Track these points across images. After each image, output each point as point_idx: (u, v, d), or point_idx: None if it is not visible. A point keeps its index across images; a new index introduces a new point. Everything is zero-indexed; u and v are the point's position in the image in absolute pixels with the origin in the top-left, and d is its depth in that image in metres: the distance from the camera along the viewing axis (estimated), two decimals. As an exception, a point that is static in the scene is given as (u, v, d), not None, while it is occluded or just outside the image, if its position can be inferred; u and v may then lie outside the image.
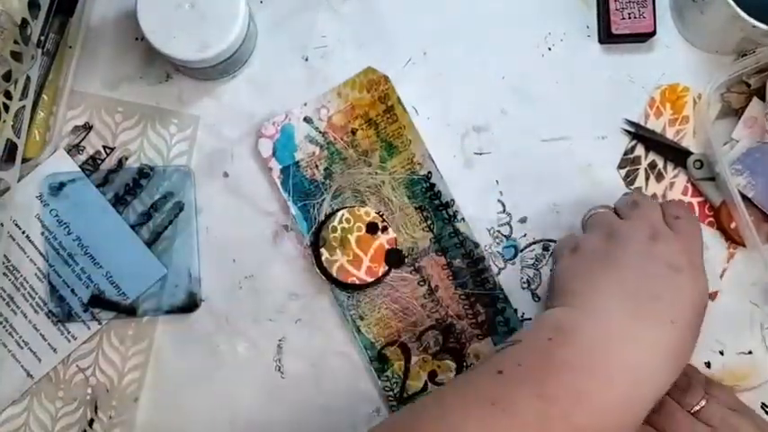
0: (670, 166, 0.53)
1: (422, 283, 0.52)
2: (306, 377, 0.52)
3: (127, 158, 0.52)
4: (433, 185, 0.52)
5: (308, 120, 0.52)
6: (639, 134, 0.53)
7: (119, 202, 0.52)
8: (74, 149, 0.52)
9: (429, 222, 0.52)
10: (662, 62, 0.53)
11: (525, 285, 0.52)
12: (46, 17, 0.50)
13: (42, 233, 0.52)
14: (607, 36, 0.52)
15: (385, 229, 0.51)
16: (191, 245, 0.52)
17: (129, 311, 0.51)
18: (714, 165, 0.51)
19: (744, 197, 0.50)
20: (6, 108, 0.47)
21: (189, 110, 0.53)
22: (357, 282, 0.50)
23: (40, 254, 0.52)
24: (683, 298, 0.42)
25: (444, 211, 0.52)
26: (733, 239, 0.52)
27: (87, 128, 0.52)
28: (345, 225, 0.51)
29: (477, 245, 0.52)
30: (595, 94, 0.53)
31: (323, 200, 0.52)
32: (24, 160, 0.51)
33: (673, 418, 0.45)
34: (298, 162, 0.52)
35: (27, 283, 0.52)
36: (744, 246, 0.52)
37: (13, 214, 0.52)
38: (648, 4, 0.51)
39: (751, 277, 0.52)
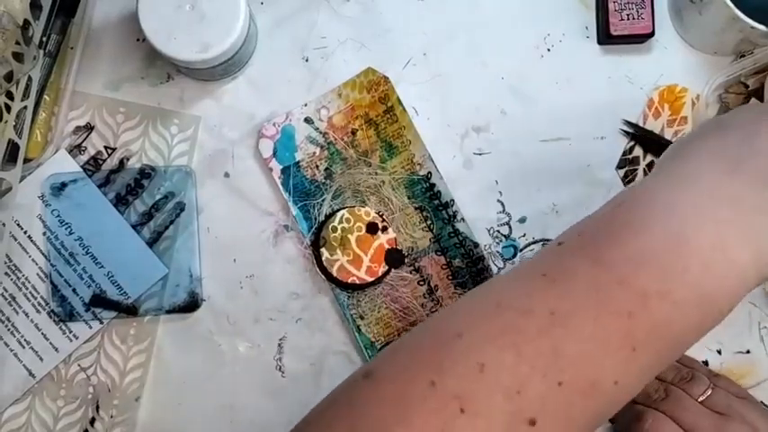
0: None
1: (422, 283, 0.52)
2: (306, 376, 0.52)
3: (128, 159, 0.52)
4: (432, 185, 0.52)
5: (308, 120, 0.52)
6: (638, 135, 0.53)
7: (120, 202, 0.52)
8: (75, 150, 0.52)
9: (429, 222, 0.52)
10: (660, 63, 0.53)
11: (525, 285, 0.53)
12: (48, 18, 0.50)
13: (44, 233, 0.52)
14: (606, 37, 0.52)
15: (385, 229, 0.51)
16: (192, 245, 0.52)
17: (131, 311, 0.52)
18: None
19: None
20: (8, 108, 0.47)
21: (190, 110, 0.53)
22: (357, 281, 0.51)
23: (42, 254, 0.52)
24: None
25: (444, 211, 0.52)
26: None
27: (89, 128, 0.53)
28: (345, 225, 0.51)
29: (476, 245, 0.52)
30: (594, 95, 0.53)
31: (323, 200, 0.52)
32: (26, 160, 0.51)
33: (681, 404, 0.45)
34: (298, 162, 0.52)
35: (29, 282, 0.52)
36: None
37: (15, 214, 0.52)
38: (647, 5, 0.52)
39: (749, 277, 0.53)
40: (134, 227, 0.52)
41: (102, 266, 0.52)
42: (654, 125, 0.53)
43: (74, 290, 0.52)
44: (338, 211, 0.51)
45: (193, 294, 0.52)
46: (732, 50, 0.52)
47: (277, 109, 0.53)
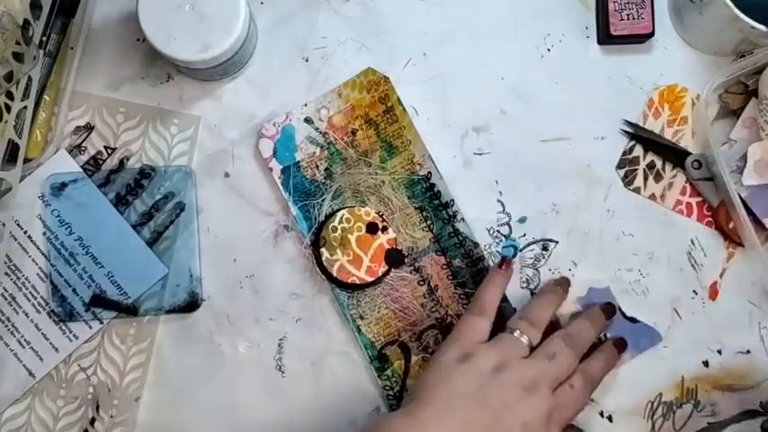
0: (668, 167, 0.53)
1: (422, 283, 0.52)
2: (306, 376, 0.52)
3: (128, 159, 0.52)
4: (432, 185, 0.52)
5: (308, 120, 0.52)
6: (638, 135, 0.53)
7: (120, 202, 0.52)
8: (75, 150, 0.52)
9: (429, 222, 0.52)
10: (660, 63, 0.53)
11: (524, 285, 0.53)
12: (48, 18, 0.50)
13: (44, 233, 0.52)
14: (606, 37, 0.52)
15: (385, 229, 0.51)
16: (192, 245, 0.52)
17: (131, 311, 0.52)
18: (712, 165, 0.51)
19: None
20: (8, 108, 0.47)
21: (190, 110, 0.53)
22: (357, 281, 0.51)
23: (42, 254, 0.52)
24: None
25: (444, 211, 0.52)
26: (732, 239, 0.52)
27: (89, 128, 0.53)
28: (345, 225, 0.51)
29: (476, 244, 0.52)
30: (594, 95, 0.53)
31: (323, 200, 0.52)
32: (26, 160, 0.51)
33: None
34: (298, 162, 0.52)
35: (29, 282, 0.52)
36: (742, 245, 0.52)
37: (15, 214, 0.52)
38: (647, 5, 0.52)
39: (750, 277, 0.53)
40: (134, 227, 0.52)
41: (102, 266, 0.52)
42: (654, 125, 0.53)
43: (74, 290, 0.52)
44: (338, 211, 0.51)
45: (193, 294, 0.52)
46: (732, 51, 0.52)
47: (277, 109, 0.53)
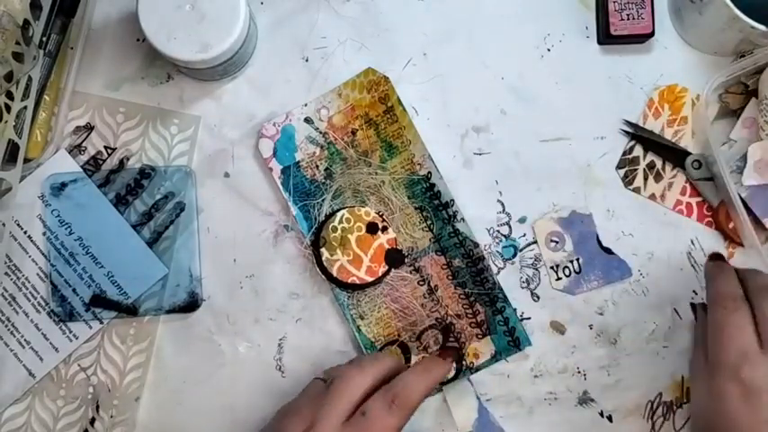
0: (668, 166, 0.53)
1: (421, 283, 0.52)
2: (306, 376, 0.52)
3: (128, 159, 0.53)
4: (432, 185, 0.52)
5: (308, 120, 0.52)
6: (638, 135, 0.53)
7: (120, 203, 0.52)
8: (75, 150, 0.52)
9: (429, 222, 0.52)
10: (660, 63, 0.53)
11: (525, 285, 0.53)
12: (48, 18, 0.50)
13: (44, 233, 0.52)
14: (606, 37, 0.52)
15: (385, 229, 0.51)
16: (192, 245, 0.52)
17: (131, 311, 0.52)
18: (713, 165, 0.51)
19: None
20: (8, 108, 0.47)
21: (190, 110, 0.53)
22: (357, 281, 0.51)
23: (42, 254, 0.52)
24: None
25: (444, 211, 0.52)
26: (732, 239, 0.52)
27: (89, 128, 0.53)
28: (345, 225, 0.51)
29: (476, 244, 0.52)
30: (594, 95, 0.53)
31: (323, 200, 0.52)
32: (26, 160, 0.51)
33: None
34: (298, 162, 0.52)
35: (29, 282, 0.52)
36: (742, 245, 0.52)
37: (15, 214, 0.52)
38: (647, 5, 0.52)
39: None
40: (134, 227, 0.52)
41: (102, 266, 0.52)
42: (654, 125, 0.53)
43: (74, 290, 0.52)
44: (338, 211, 0.51)
45: (193, 294, 0.52)
46: (732, 50, 0.53)
47: (277, 109, 0.53)
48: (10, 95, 0.47)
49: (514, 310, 0.52)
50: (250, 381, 0.52)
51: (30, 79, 0.49)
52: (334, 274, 0.51)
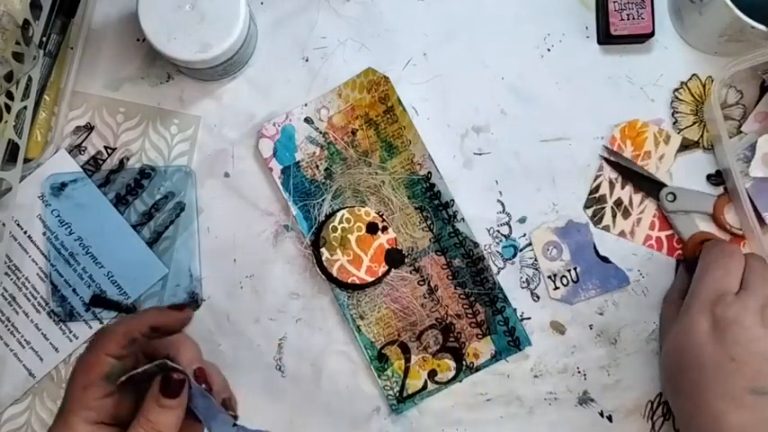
0: (636, 202, 0.52)
1: (421, 283, 0.52)
2: (306, 376, 0.52)
3: (128, 159, 0.53)
4: (432, 185, 0.52)
5: (308, 120, 0.52)
6: (616, 162, 0.52)
7: (120, 202, 0.52)
8: (75, 150, 0.52)
9: (429, 222, 0.52)
10: (660, 63, 0.53)
11: (525, 285, 0.53)
12: (48, 18, 0.50)
13: (44, 233, 0.52)
14: (606, 37, 0.52)
15: (385, 229, 0.51)
16: (192, 245, 0.52)
17: (131, 311, 0.52)
18: (722, 158, 0.52)
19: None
20: (8, 108, 0.47)
21: (190, 110, 0.53)
22: (357, 281, 0.51)
23: (42, 254, 0.52)
24: None
25: (444, 211, 0.52)
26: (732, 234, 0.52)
27: (89, 128, 0.53)
28: (345, 225, 0.51)
29: (476, 244, 0.52)
30: (594, 95, 0.53)
31: (323, 200, 0.52)
32: (26, 160, 0.51)
33: None
34: (298, 162, 0.52)
35: (29, 282, 0.52)
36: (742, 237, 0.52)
37: (15, 214, 0.52)
38: (647, 5, 0.52)
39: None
40: (134, 227, 0.52)
41: (102, 266, 0.52)
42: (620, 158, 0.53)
43: (74, 290, 0.52)
44: (338, 211, 0.51)
45: (193, 294, 0.52)
46: (732, 51, 0.52)
47: (277, 109, 0.53)
48: (10, 95, 0.47)
49: (514, 310, 0.52)
50: (250, 380, 0.52)
51: (30, 79, 0.49)
52: (334, 274, 0.51)
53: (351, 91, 0.52)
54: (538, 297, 0.53)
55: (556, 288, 0.52)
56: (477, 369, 0.52)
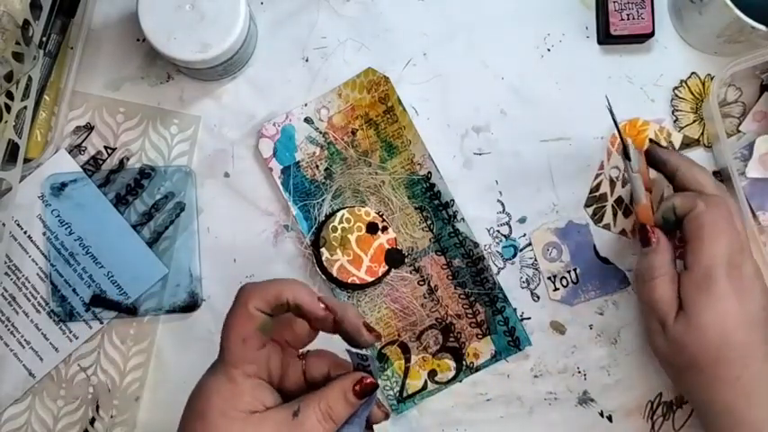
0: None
1: (421, 283, 0.52)
2: (306, 376, 0.52)
3: (128, 159, 0.52)
4: (432, 185, 0.52)
5: (308, 120, 0.52)
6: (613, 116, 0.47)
7: (120, 203, 0.52)
8: (75, 150, 0.52)
9: (429, 222, 0.52)
10: (660, 63, 0.53)
11: (525, 285, 0.53)
12: (48, 18, 0.50)
13: (44, 233, 0.52)
14: (606, 37, 0.52)
15: (385, 229, 0.51)
16: (192, 245, 0.52)
17: (131, 311, 0.52)
18: (719, 155, 0.52)
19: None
20: (8, 108, 0.47)
21: (190, 110, 0.53)
22: (357, 281, 0.51)
23: (42, 254, 0.52)
24: None
25: (444, 211, 0.52)
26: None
27: (89, 128, 0.53)
28: (345, 225, 0.51)
29: (476, 244, 0.52)
30: (594, 95, 0.53)
31: (323, 200, 0.52)
32: (26, 160, 0.51)
33: None
34: (298, 162, 0.52)
35: (29, 282, 0.52)
36: None
37: (15, 214, 0.52)
38: (647, 5, 0.52)
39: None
40: (134, 227, 0.52)
41: (102, 266, 0.52)
42: (618, 160, 0.53)
43: (74, 290, 0.52)
44: (338, 211, 0.51)
45: (193, 294, 0.52)
46: (732, 51, 0.52)
47: (277, 109, 0.53)
48: (10, 95, 0.47)
49: (514, 309, 0.52)
50: (250, 381, 0.52)
51: (30, 79, 0.49)
52: (334, 274, 0.51)
53: (351, 91, 0.52)
54: (538, 297, 0.53)
55: (556, 289, 0.52)
56: (477, 369, 0.52)
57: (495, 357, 0.52)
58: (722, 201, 0.45)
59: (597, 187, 0.53)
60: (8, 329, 0.52)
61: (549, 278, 0.52)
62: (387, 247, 0.51)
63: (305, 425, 0.37)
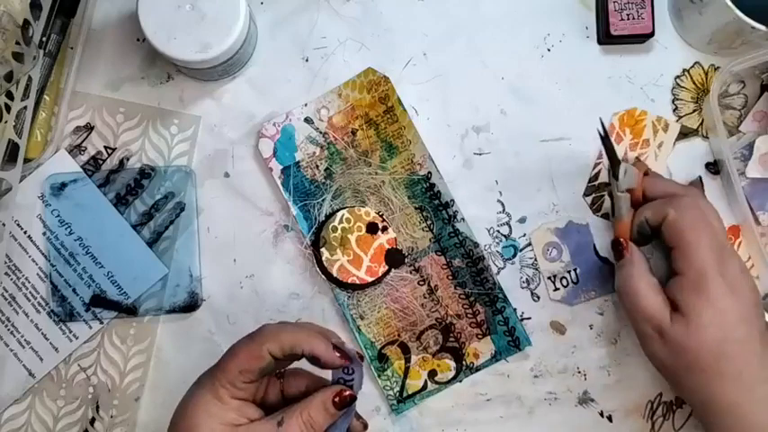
0: None
1: (422, 283, 0.52)
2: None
3: (128, 159, 0.52)
4: (432, 185, 0.52)
5: (308, 120, 0.52)
6: (604, 139, 0.47)
7: (120, 203, 0.52)
8: (75, 150, 0.52)
9: (429, 222, 0.52)
10: (660, 63, 0.53)
11: (525, 285, 0.53)
12: (47, 18, 0.50)
13: (44, 233, 0.52)
14: (606, 37, 0.52)
15: (385, 229, 0.51)
16: (192, 245, 0.52)
17: (131, 311, 0.52)
18: (719, 154, 0.52)
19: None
20: (8, 108, 0.47)
21: (190, 110, 0.53)
22: (357, 281, 0.51)
23: (42, 254, 0.52)
24: None
25: (444, 211, 0.52)
26: None
27: (89, 128, 0.53)
28: (346, 225, 0.51)
29: (476, 244, 0.52)
30: (594, 95, 0.53)
31: (323, 200, 0.52)
32: (26, 160, 0.51)
33: None
34: (298, 162, 0.52)
35: (29, 282, 0.52)
36: None
37: (15, 214, 0.52)
38: (647, 5, 0.52)
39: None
40: (134, 227, 0.52)
41: (102, 266, 0.52)
42: (617, 150, 0.52)
43: (74, 290, 0.52)
44: (338, 211, 0.51)
45: (193, 294, 0.52)
46: (732, 51, 0.52)
47: (277, 109, 0.53)
48: (10, 95, 0.47)
49: (514, 310, 0.52)
50: (250, 381, 0.52)
51: (30, 79, 0.49)
52: (334, 274, 0.51)
53: (351, 91, 0.52)
54: (538, 297, 0.53)
55: (556, 289, 0.52)
56: (477, 369, 0.52)
57: (495, 357, 0.52)
58: (691, 201, 0.46)
59: (596, 176, 0.53)
60: (8, 329, 0.52)
61: (549, 278, 0.52)
62: (387, 247, 0.51)
63: None
